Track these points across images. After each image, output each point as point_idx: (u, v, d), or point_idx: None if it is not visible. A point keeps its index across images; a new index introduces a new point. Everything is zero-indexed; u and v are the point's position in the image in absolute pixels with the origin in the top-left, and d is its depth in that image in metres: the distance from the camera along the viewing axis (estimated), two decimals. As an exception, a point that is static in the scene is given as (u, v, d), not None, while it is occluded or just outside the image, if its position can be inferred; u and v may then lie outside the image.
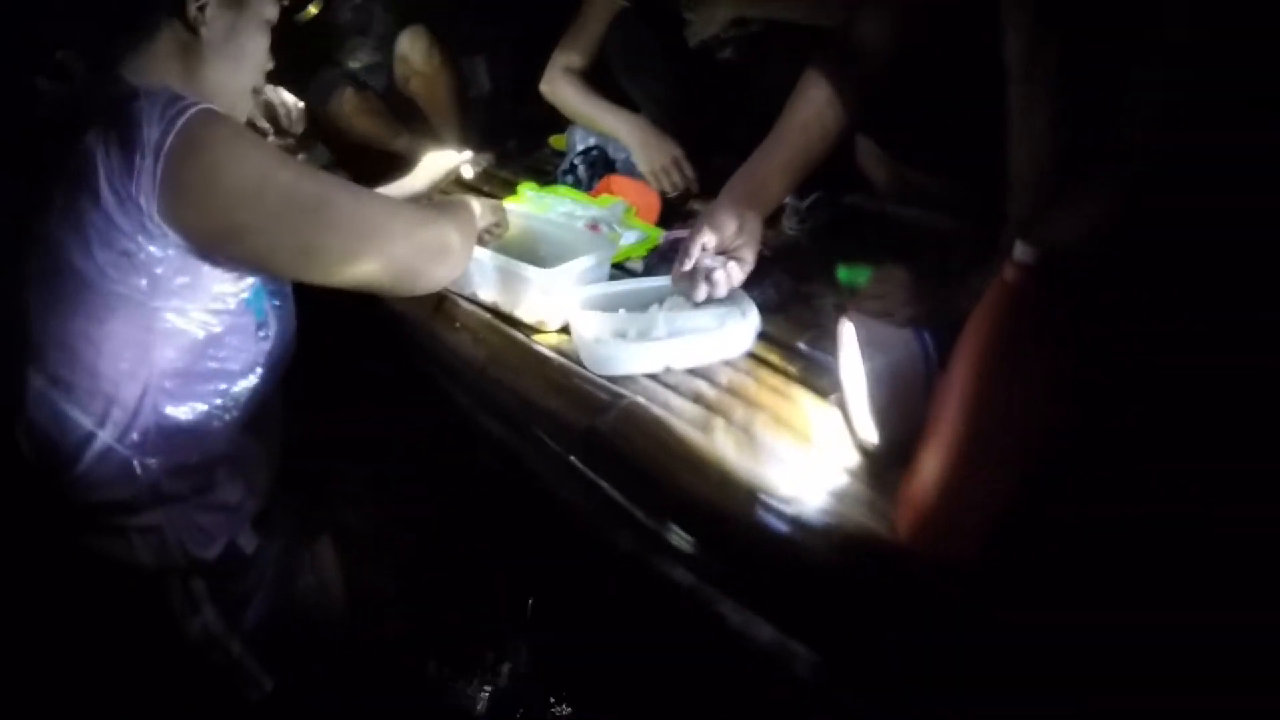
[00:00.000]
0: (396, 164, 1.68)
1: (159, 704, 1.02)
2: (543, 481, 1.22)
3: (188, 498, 1.01)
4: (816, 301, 1.32)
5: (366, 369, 1.50)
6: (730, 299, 1.21)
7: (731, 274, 1.17)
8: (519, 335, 1.28)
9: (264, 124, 1.31)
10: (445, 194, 1.61)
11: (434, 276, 1.11)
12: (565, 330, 1.26)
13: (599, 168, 1.85)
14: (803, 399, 1.11)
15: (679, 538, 1.01)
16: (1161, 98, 0.90)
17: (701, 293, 1.16)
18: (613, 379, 1.14)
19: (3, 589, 0.98)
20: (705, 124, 1.84)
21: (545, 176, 1.93)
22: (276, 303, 1.06)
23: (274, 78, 1.16)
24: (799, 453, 1.01)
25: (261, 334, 1.04)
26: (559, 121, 2.01)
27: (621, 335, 1.18)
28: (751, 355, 1.20)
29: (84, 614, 0.99)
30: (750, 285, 1.22)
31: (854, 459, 0.99)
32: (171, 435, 0.98)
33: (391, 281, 1.06)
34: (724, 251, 1.18)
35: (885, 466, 0.95)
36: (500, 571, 1.34)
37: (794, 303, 1.32)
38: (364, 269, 1.01)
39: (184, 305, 0.94)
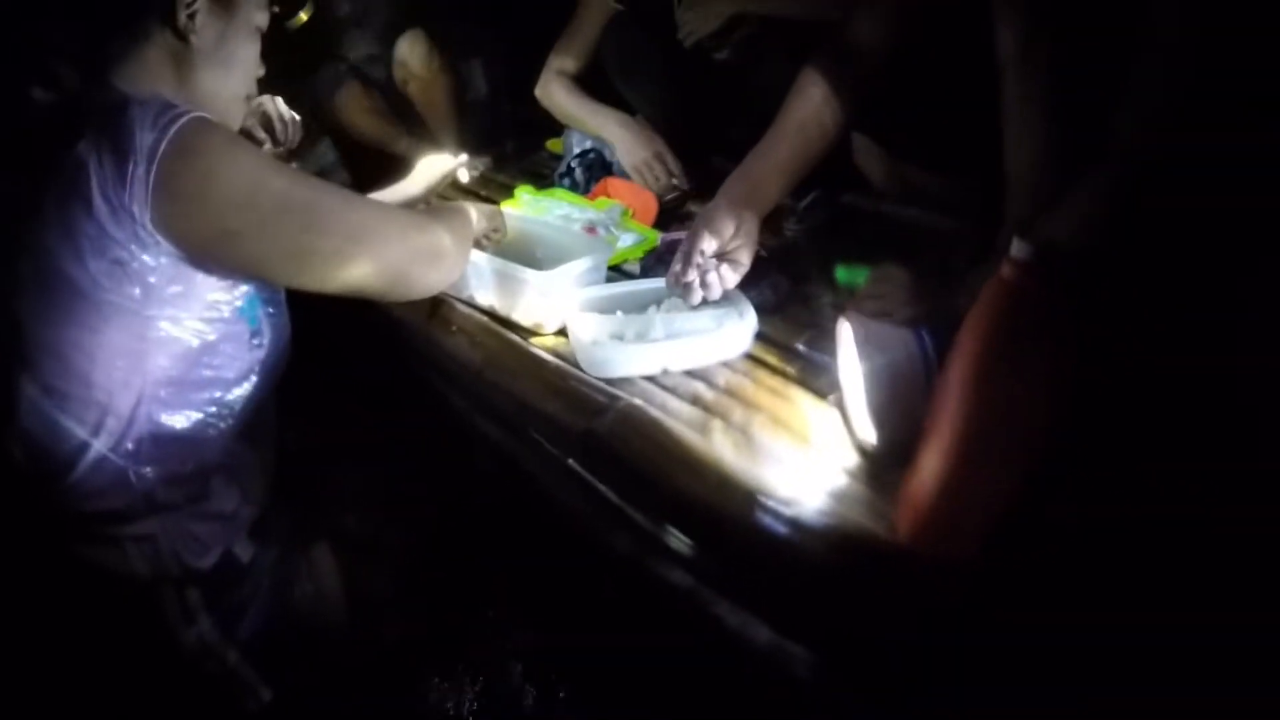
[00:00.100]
0: (400, 165, 1.68)
1: (155, 715, 1.01)
2: (540, 484, 1.22)
3: (182, 506, 1.00)
4: (814, 302, 1.32)
5: (362, 374, 1.50)
6: (727, 300, 1.20)
7: (725, 277, 1.16)
8: (516, 338, 1.28)
9: (261, 134, 1.31)
10: (443, 198, 1.60)
11: (428, 281, 1.11)
12: (562, 333, 1.26)
13: (596, 170, 1.85)
14: (801, 400, 1.11)
15: (677, 540, 1.01)
16: (1158, 96, 0.90)
17: (696, 296, 1.16)
18: (610, 381, 1.14)
19: (-3, 599, 0.98)
20: (701, 125, 1.84)
21: (542, 180, 1.93)
22: (270, 310, 1.06)
23: (277, 73, 1.15)
24: (797, 454, 1.00)
25: (256, 341, 1.04)
26: (556, 125, 2.01)
27: (619, 337, 1.18)
28: (749, 356, 1.20)
29: (78, 624, 0.98)
30: (747, 286, 1.22)
31: (853, 459, 0.99)
32: (166, 444, 0.97)
33: (385, 286, 1.06)
34: (721, 253, 1.17)
35: (884, 467, 0.95)
36: (499, 574, 1.34)
37: (792, 303, 1.32)
38: (357, 273, 1.01)
39: (178, 314, 0.94)
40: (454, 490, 1.35)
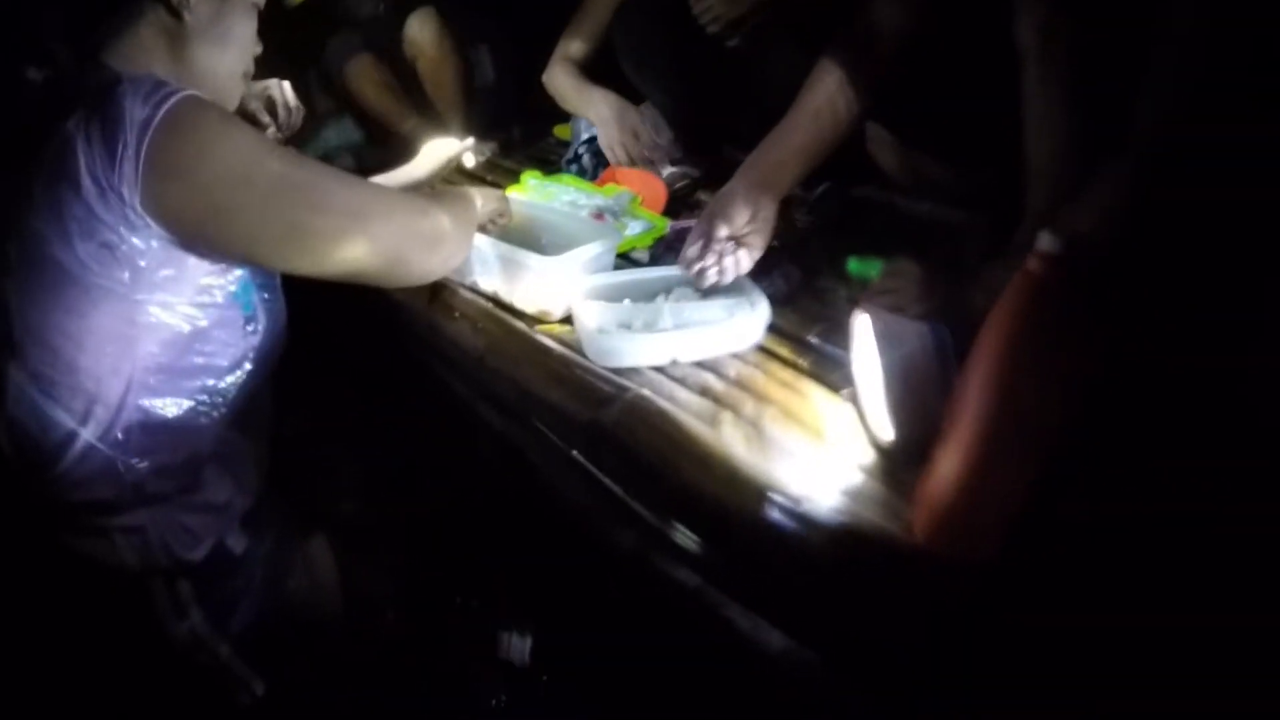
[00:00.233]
0: (406, 146, 1.67)
1: (147, 707, 1.01)
2: (544, 476, 1.21)
3: (173, 497, 0.99)
4: (827, 294, 1.31)
5: (360, 360, 1.49)
6: (739, 290, 1.20)
7: (740, 261, 1.16)
8: (520, 325, 1.27)
9: (265, 118, 1.30)
10: (448, 183, 1.58)
11: (427, 266, 1.08)
12: (568, 320, 1.24)
13: (604, 157, 1.84)
14: (814, 393, 1.09)
15: (684, 535, 0.99)
16: (1170, 88, 0.89)
17: (710, 278, 1.15)
18: (617, 371, 1.13)
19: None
20: (711, 113, 1.82)
21: (550, 166, 1.92)
22: (265, 296, 1.04)
23: (277, 49, 1.13)
24: (810, 449, 0.99)
25: (250, 328, 1.02)
26: (563, 111, 2.00)
27: (626, 326, 1.17)
28: (760, 348, 1.18)
29: (67, 616, 0.98)
30: (759, 276, 1.21)
31: (868, 456, 0.98)
32: (156, 433, 0.95)
33: (382, 270, 1.03)
34: (735, 237, 1.17)
35: (901, 464, 0.94)
36: (500, 568, 1.33)
37: (804, 295, 1.31)
38: (352, 255, 0.98)
39: (168, 298, 0.92)
40: (454, 481, 1.33)
